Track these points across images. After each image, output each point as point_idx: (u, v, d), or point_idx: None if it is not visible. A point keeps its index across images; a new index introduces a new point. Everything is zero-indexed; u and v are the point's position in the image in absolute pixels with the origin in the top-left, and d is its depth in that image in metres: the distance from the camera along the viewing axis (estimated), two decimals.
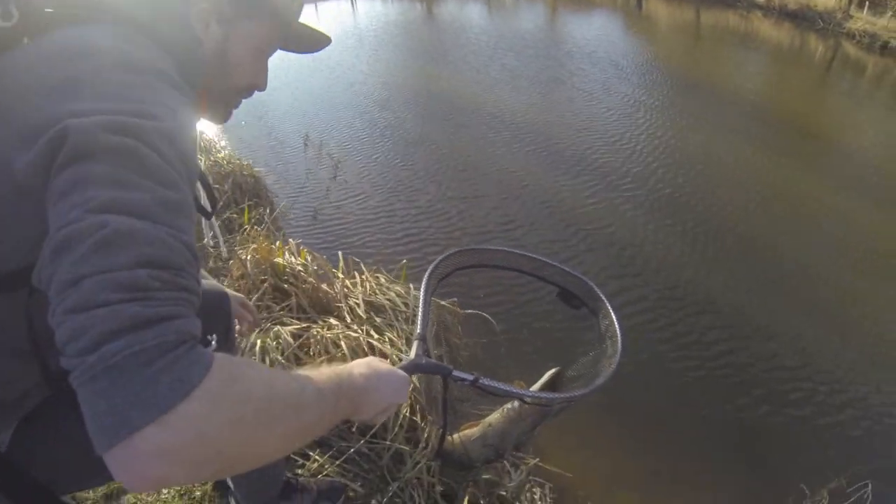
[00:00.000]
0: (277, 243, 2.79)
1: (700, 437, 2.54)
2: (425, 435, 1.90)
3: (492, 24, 12.27)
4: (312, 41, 0.95)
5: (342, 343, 2.05)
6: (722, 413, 2.64)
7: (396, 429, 1.85)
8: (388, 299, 2.37)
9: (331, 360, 2.00)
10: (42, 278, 0.50)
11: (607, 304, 1.44)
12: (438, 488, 1.79)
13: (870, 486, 2.28)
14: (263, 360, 1.97)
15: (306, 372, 0.68)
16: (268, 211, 3.73)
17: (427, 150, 5.22)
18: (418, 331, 1.15)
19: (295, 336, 2.12)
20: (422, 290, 1.29)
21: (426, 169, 4.83)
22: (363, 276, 2.57)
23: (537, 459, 1.92)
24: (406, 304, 2.35)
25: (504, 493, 1.75)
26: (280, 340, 2.09)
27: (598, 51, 9.35)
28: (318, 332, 2.14)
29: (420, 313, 1.22)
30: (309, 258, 2.70)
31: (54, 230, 0.49)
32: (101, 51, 0.63)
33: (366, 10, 13.98)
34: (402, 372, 0.93)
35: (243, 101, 0.94)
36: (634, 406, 2.60)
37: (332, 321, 2.23)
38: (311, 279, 2.57)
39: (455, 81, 7.17)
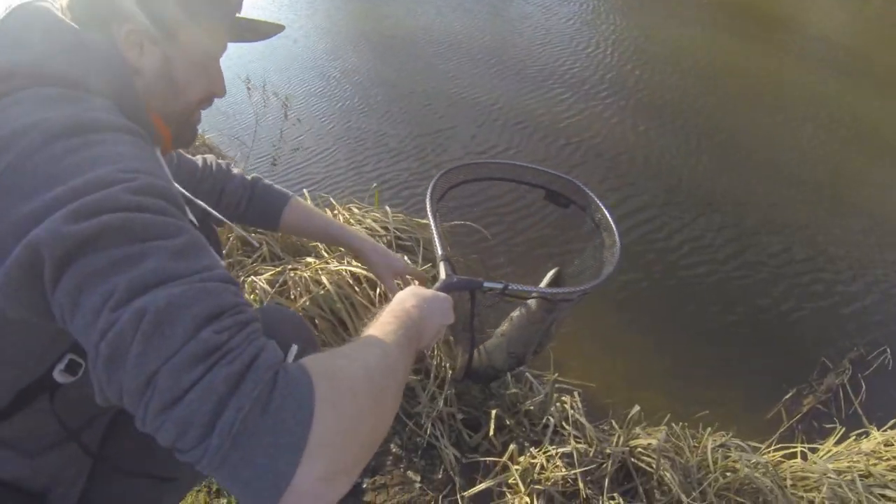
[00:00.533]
0: None
1: (717, 332, 2.43)
2: (435, 362, 1.68)
3: None
4: (262, 30, 0.90)
5: (323, 278, 1.81)
6: (736, 308, 2.53)
7: None
8: (366, 227, 2.11)
9: (313, 299, 1.78)
10: (110, 396, 0.48)
11: (594, 198, 1.44)
12: (459, 416, 1.58)
13: (888, 350, 2.30)
14: None
15: (375, 330, 0.70)
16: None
17: (386, 88, 4.88)
18: (439, 252, 1.18)
19: (271, 283, 1.91)
20: (428, 213, 1.29)
21: (388, 107, 4.51)
22: (334, 211, 2.30)
23: (556, 374, 1.78)
24: (385, 228, 2.09)
25: (532, 408, 1.54)
26: (256, 290, 1.88)
27: None
28: (295, 273, 1.89)
29: (435, 236, 1.24)
30: None
31: (92, 348, 0.47)
32: (29, 127, 0.55)
33: None
34: (442, 294, 0.96)
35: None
36: (649, 312, 2.49)
37: (309, 260, 1.97)
38: None
39: (403, 18, 6.70)
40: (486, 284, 1.11)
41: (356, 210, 2.32)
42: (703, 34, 5.64)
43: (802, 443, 1.83)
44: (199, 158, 1.24)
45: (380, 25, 6.58)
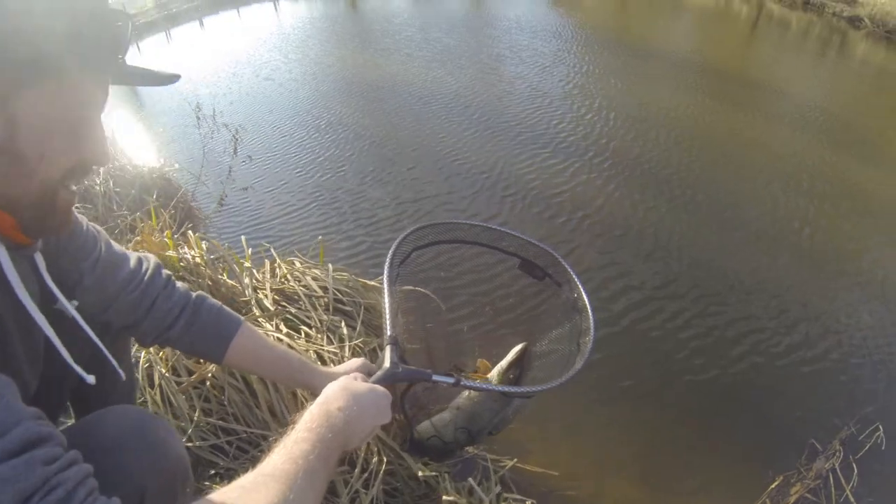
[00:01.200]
0: (166, 233, 2.23)
1: (694, 406, 2.21)
2: (362, 452, 1.40)
3: (419, 11, 11.87)
4: (152, 78, 0.73)
5: None
6: (711, 377, 2.33)
7: None
8: (304, 285, 1.85)
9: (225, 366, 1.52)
10: None
11: (573, 275, 1.35)
12: None
13: (881, 428, 2.14)
14: (151, 378, 1.58)
15: (284, 454, 0.65)
16: (178, 208, 3.17)
17: (359, 139, 4.71)
18: (388, 333, 1.06)
19: None
20: (384, 278, 1.17)
21: (358, 159, 4.33)
22: (274, 264, 2.05)
23: (515, 460, 1.62)
24: (325, 289, 1.85)
25: None
26: (164, 352, 1.67)
27: (524, 25, 9.02)
28: None
29: (386, 309, 1.11)
30: (205, 247, 2.15)
31: None
32: None
33: (289, 11, 13.42)
34: (380, 388, 0.88)
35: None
36: (622, 389, 2.26)
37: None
38: (208, 272, 2.05)
39: (392, 69, 6.65)
40: (436, 378, 1.02)
41: (298, 264, 2.08)
42: (676, 96, 5.64)
43: None
44: (133, 257, 1.02)
45: (367, 74, 6.52)
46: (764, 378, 2.33)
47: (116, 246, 1.00)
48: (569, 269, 1.37)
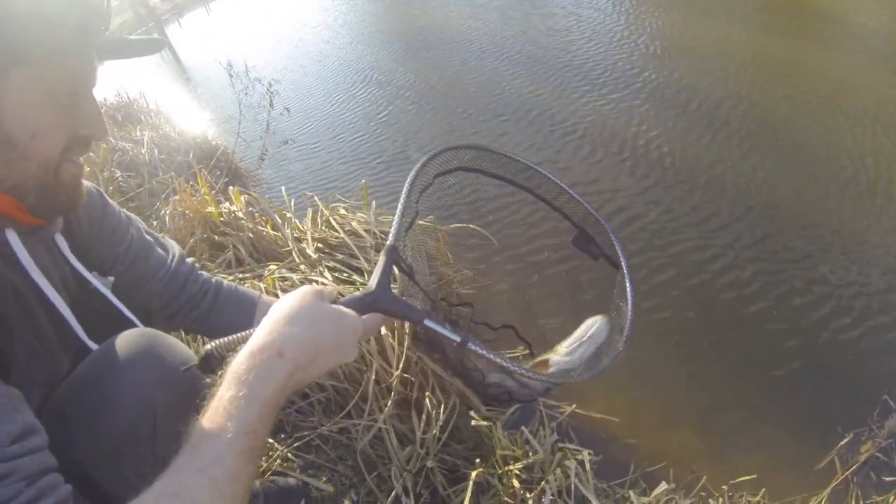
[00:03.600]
0: (203, 191, 2.20)
1: (760, 358, 2.06)
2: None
3: None
4: (136, 49, 0.75)
5: (279, 291, 1.49)
6: (779, 329, 2.16)
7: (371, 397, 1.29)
8: (349, 231, 1.79)
9: None
10: None
11: (623, 262, 1.07)
12: (438, 471, 1.24)
13: None
14: None
15: (209, 426, 0.55)
16: (221, 168, 3.18)
17: (400, 82, 4.58)
18: (390, 240, 0.81)
19: None
20: (407, 183, 0.91)
21: (399, 102, 4.20)
22: (317, 213, 1.99)
23: (574, 406, 1.56)
24: (370, 232, 1.76)
25: (529, 465, 1.19)
26: None
27: None
28: (250, 282, 1.60)
29: (396, 218, 0.85)
30: (244, 201, 2.11)
31: None
32: None
33: None
34: (349, 315, 0.68)
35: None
36: (687, 340, 2.14)
37: (273, 266, 1.66)
38: (248, 225, 2.02)
39: (435, 17, 6.37)
40: (429, 323, 0.75)
41: (343, 210, 2.02)
42: (733, 27, 5.09)
43: (857, 498, 1.59)
44: (159, 245, 1.03)
45: (408, 25, 6.28)
46: (835, 330, 2.16)
47: (146, 233, 1.02)
48: (621, 255, 1.11)
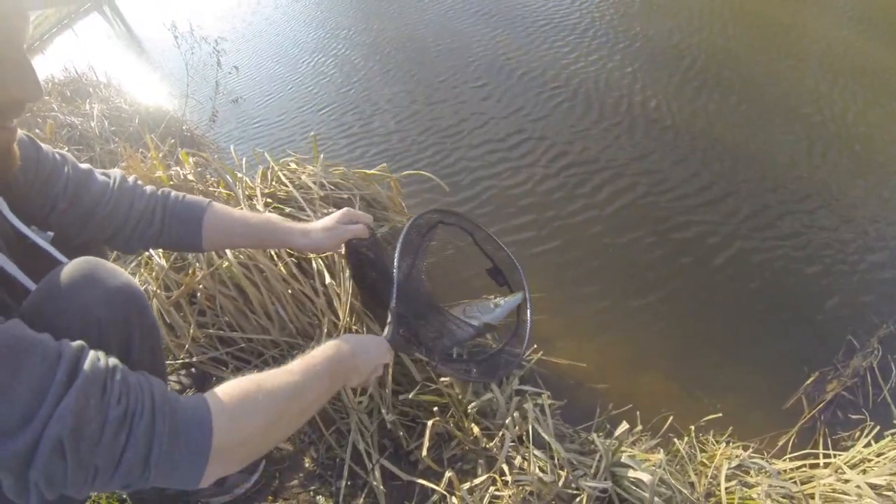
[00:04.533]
0: (150, 155, 2.08)
1: (727, 300, 2.07)
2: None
3: None
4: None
5: (227, 253, 1.42)
6: (745, 271, 2.18)
7: None
8: (298, 185, 1.71)
9: (214, 273, 1.48)
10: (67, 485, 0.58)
11: (527, 294, 1.52)
12: (399, 423, 1.20)
13: None
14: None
15: (300, 362, 0.82)
16: (171, 132, 3.05)
17: (350, 31, 4.44)
18: (392, 304, 1.11)
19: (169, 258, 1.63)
20: (398, 248, 1.19)
21: (355, 49, 4.09)
22: (267, 169, 1.90)
23: (541, 353, 1.53)
24: (320, 185, 1.68)
25: (482, 420, 1.15)
26: (153, 265, 1.60)
27: None
28: None
29: (394, 283, 1.14)
30: (192, 162, 2.01)
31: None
32: None
33: None
34: (383, 339, 1.05)
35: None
36: (655, 283, 2.14)
37: None
38: (199, 187, 1.92)
39: None
40: (418, 355, 1.17)
41: (293, 165, 1.93)
42: None
43: (825, 436, 1.61)
44: (97, 172, 1.03)
45: None
46: (800, 272, 2.18)
47: (82, 165, 1.00)
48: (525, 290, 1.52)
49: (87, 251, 0.94)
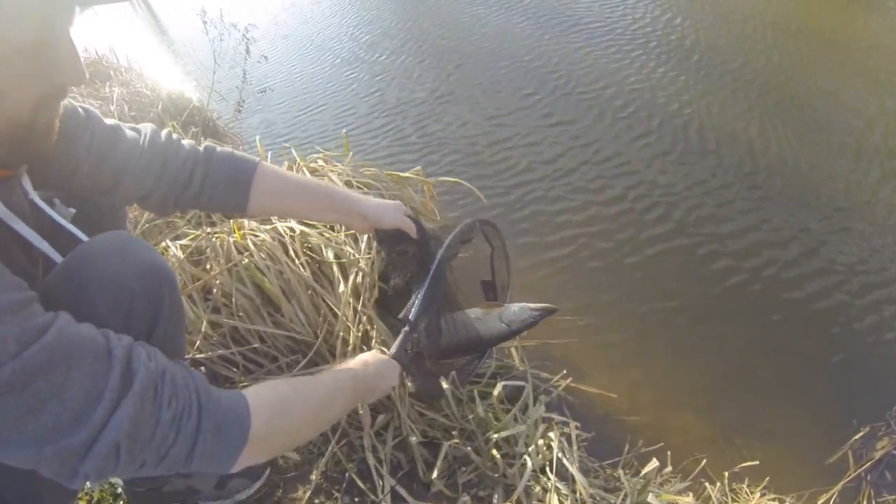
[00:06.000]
0: None
1: (773, 339, 2.06)
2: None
3: None
4: None
5: (251, 244, 1.47)
6: (794, 310, 2.17)
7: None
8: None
9: (232, 271, 1.54)
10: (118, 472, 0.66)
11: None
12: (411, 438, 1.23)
13: None
14: None
15: (329, 374, 0.94)
16: (194, 121, 3.16)
17: (383, 25, 4.57)
18: (411, 317, 1.13)
19: (186, 251, 1.66)
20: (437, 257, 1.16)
21: (387, 44, 4.20)
22: (295, 165, 1.97)
23: (570, 380, 1.56)
24: (348, 185, 1.74)
25: (511, 438, 1.18)
26: (168, 256, 1.64)
27: None
28: (218, 238, 1.58)
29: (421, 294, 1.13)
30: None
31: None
32: None
33: None
34: (396, 365, 1.08)
35: None
36: (689, 307, 2.16)
37: (245, 222, 1.65)
38: None
39: None
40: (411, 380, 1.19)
41: (321, 162, 2.00)
42: None
43: (869, 498, 1.61)
44: (126, 127, 1.00)
45: None
46: (855, 316, 2.16)
47: (108, 121, 0.97)
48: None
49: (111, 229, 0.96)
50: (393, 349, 1.12)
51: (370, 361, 1.01)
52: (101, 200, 1.00)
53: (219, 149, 1.06)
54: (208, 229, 1.69)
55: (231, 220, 1.68)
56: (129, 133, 0.98)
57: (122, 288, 0.80)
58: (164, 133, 1.02)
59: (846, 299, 2.19)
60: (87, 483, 0.69)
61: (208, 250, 1.60)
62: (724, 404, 1.84)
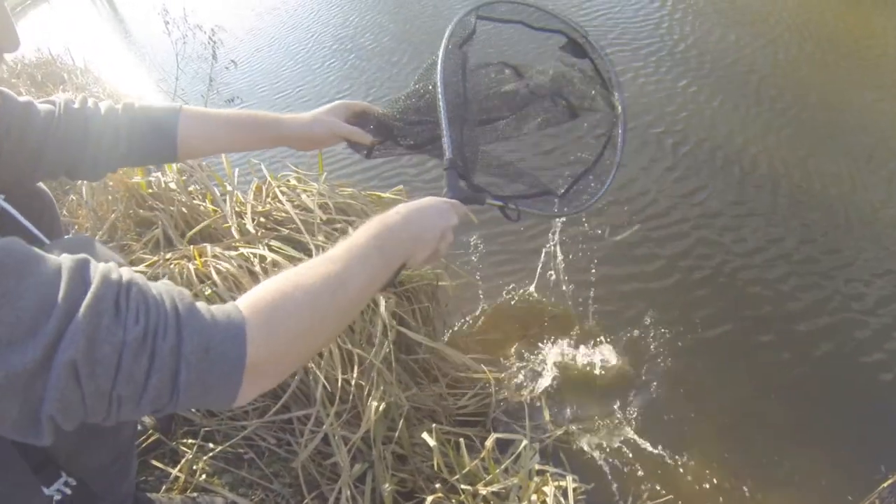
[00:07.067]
0: None
1: (792, 381, 2.05)
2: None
3: None
4: None
5: (213, 271, 1.47)
6: (815, 347, 2.15)
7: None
8: (297, 205, 1.75)
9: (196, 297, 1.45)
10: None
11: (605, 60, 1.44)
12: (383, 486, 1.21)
13: None
14: None
15: (339, 247, 0.79)
16: None
17: (360, 27, 4.58)
18: (447, 155, 1.11)
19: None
20: (438, 84, 1.15)
21: (365, 46, 4.23)
22: (264, 184, 1.95)
23: (563, 429, 1.59)
24: (323, 207, 1.73)
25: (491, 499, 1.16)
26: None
27: None
28: (177, 264, 1.56)
29: (443, 119, 1.12)
30: (175, 169, 2.09)
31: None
32: None
33: None
34: (439, 199, 0.99)
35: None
36: (699, 344, 2.15)
37: (207, 247, 1.63)
38: (182, 198, 1.99)
39: None
40: (489, 201, 1.15)
41: (293, 181, 1.98)
42: None
43: None
44: (38, 102, 1.07)
45: None
46: (880, 356, 2.14)
47: (21, 98, 1.03)
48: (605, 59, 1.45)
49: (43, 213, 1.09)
50: (445, 191, 1.07)
51: (397, 212, 0.88)
52: (29, 183, 1.07)
53: (137, 104, 1.14)
54: (167, 255, 1.67)
55: (192, 246, 1.66)
56: (43, 106, 1.04)
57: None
58: (78, 99, 1.08)
59: (870, 336, 2.19)
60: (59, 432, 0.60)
61: (165, 278, 1.57)
62: (736, 450, 1.81)
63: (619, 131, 1.36)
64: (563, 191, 1.41)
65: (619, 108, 1.37)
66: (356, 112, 1.31)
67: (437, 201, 0.97)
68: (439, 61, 1.16)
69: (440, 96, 1.13)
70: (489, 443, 1.21)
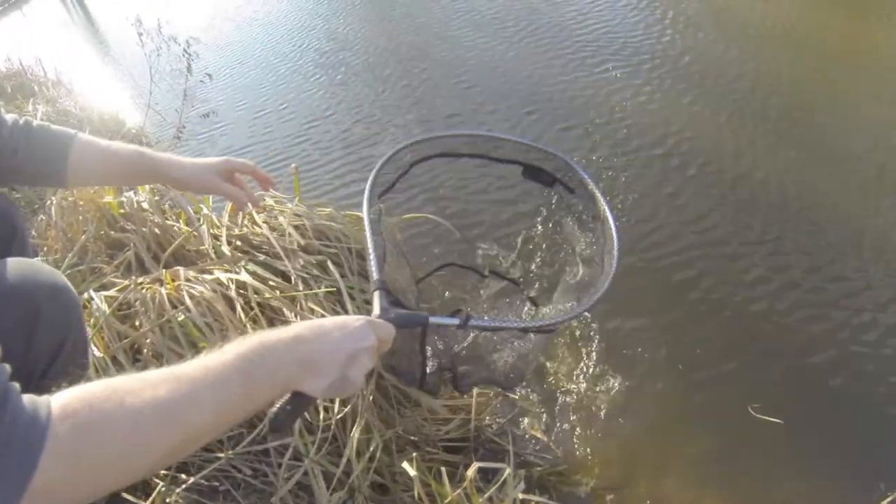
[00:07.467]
0: None
1: (785, 395, 2.06)
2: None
3: None
4: None
5: (185, 297, 1.46)
6: (808, 360, 2.16)
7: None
8: (273, 227, 1.75)
9: (164, 327, 1.52)
10: None
11: (586, 177, 1.43)
12: None
13: None
14: None
15: (204, 359, 0.71)
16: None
17: (340, 42, 4.62)
18: (374, 276, 1.09)
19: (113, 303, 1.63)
20: (365, 217, 1.22)
21: (344, 62, 4.26)
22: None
23: (549, 457, 1.63)
24: (300, 229, 1.73)
25: None
26: (91, 309, 1.62)
27: None
28: (149, 289, 1.55)
29: (370, 250, 1.15)
30: (148, 189, 2.09)
31: None
32: None
33: None
34: (362, 318, 0.89)
35: None
36: (684, 359, 2.16)
37: (180, 270, 1.63)
38: (155, 219, 1.99)
39: None
40: (435, 319, 1.04)
41: (269, 200, 1.98)
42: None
43: None
44: None
45: None
46: (878, 371, 2.13)
47: None
48: (580, 171, 1.44)
49: None
50: (375, 309, 1.00)
51: (290, 329, 0.80)
52: None
53: (35, 122, 1.19)
54: (138, 279, 1.66)
55: (164, 269, 1.66)
56: None
57: (33, 302, 0.92)
58: None
59: (868, 352, 2.19)
60: None
61: (137, 303, 1.57)
62: (732, 473, 1.81)
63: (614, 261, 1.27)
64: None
65: (614, 237, 1.30)
66: (237, 168, 1.37)
67: (349, 319, 0.87)
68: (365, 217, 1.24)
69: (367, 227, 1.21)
70: (471, 472, 1.21)
